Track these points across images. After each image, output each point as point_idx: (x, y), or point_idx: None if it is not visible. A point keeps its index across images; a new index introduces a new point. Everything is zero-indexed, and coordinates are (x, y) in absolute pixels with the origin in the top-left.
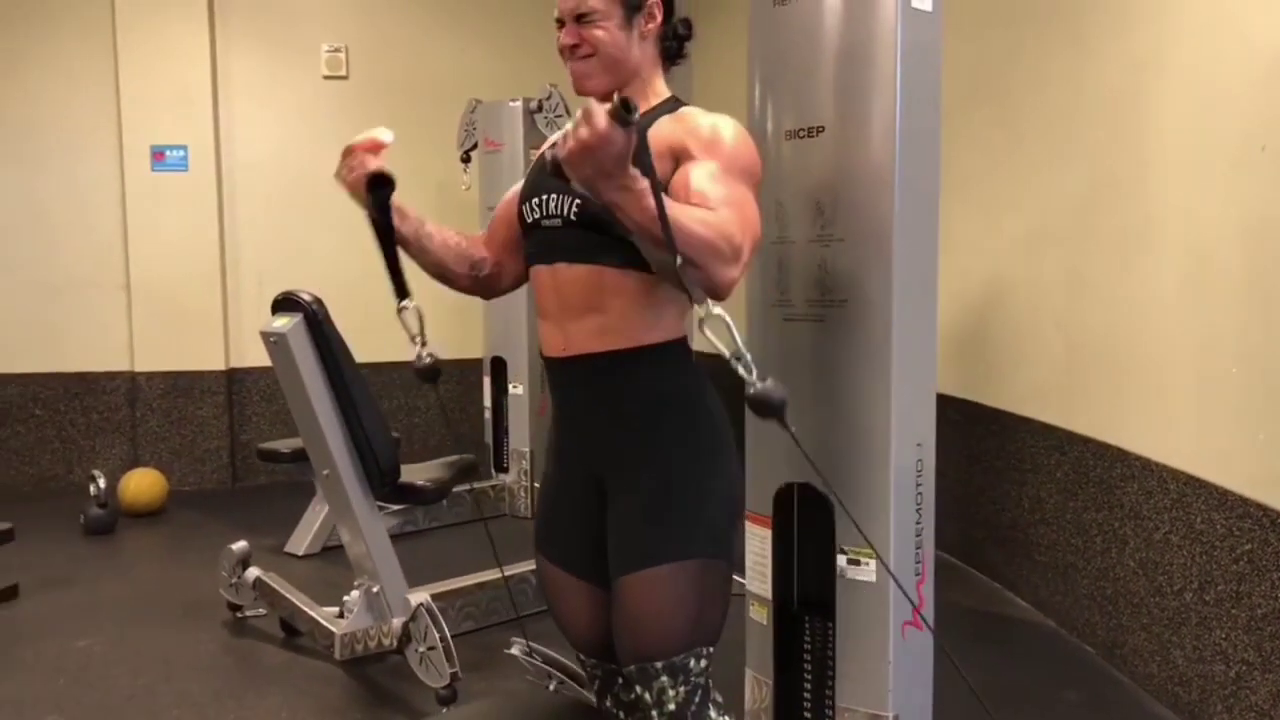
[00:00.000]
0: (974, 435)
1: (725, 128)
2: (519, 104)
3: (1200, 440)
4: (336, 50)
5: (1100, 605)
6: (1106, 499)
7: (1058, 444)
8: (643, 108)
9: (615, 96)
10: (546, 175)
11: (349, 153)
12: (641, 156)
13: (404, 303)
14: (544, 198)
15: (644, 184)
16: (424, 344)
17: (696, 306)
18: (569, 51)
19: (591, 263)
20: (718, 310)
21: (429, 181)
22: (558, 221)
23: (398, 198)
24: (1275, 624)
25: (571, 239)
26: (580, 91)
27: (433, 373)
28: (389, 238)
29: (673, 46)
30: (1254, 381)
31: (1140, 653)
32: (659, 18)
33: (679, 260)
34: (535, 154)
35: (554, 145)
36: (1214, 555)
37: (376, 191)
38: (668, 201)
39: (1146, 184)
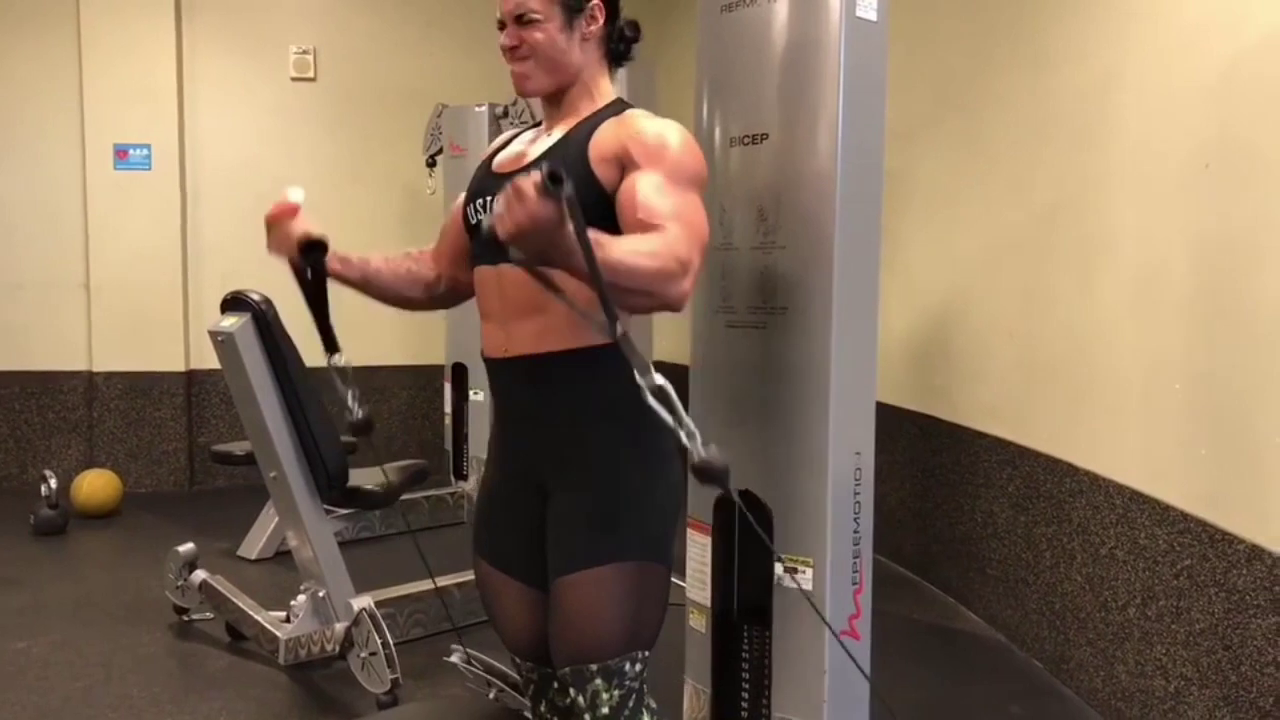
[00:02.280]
0: (930, 449)
1: (670, 134)
2: (485, 109)
3: (1146, 456)
4: (305, 52)
5: (1048, 620)
6: (1056, 514)
7: (1010, 459)
8: (587, 110)
9: (543, 168)
10: (492, 176)
11: (271, 223)
12: (575, 223)
13: (334, 357)
14: (489, 199)
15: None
16: (355, 398)
17: (639, 378)
18: (509, 53)
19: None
20: (660, 380)
21: (396, 184)
22: None
23: (338, 245)
24: (1212, 639)
25: None
26: (521, 92)
27: (366, 425)
28: (320, 299)
29: (619, 48)
30: (1198, 398)
31: (1085, 667)
32: (601, 20)
33: (618, 330)
34: (482, 157)
35: (490, 212)
36: (1156, 571)
37: (309, 255)
38: (612, 244)
39: (1102, 202)
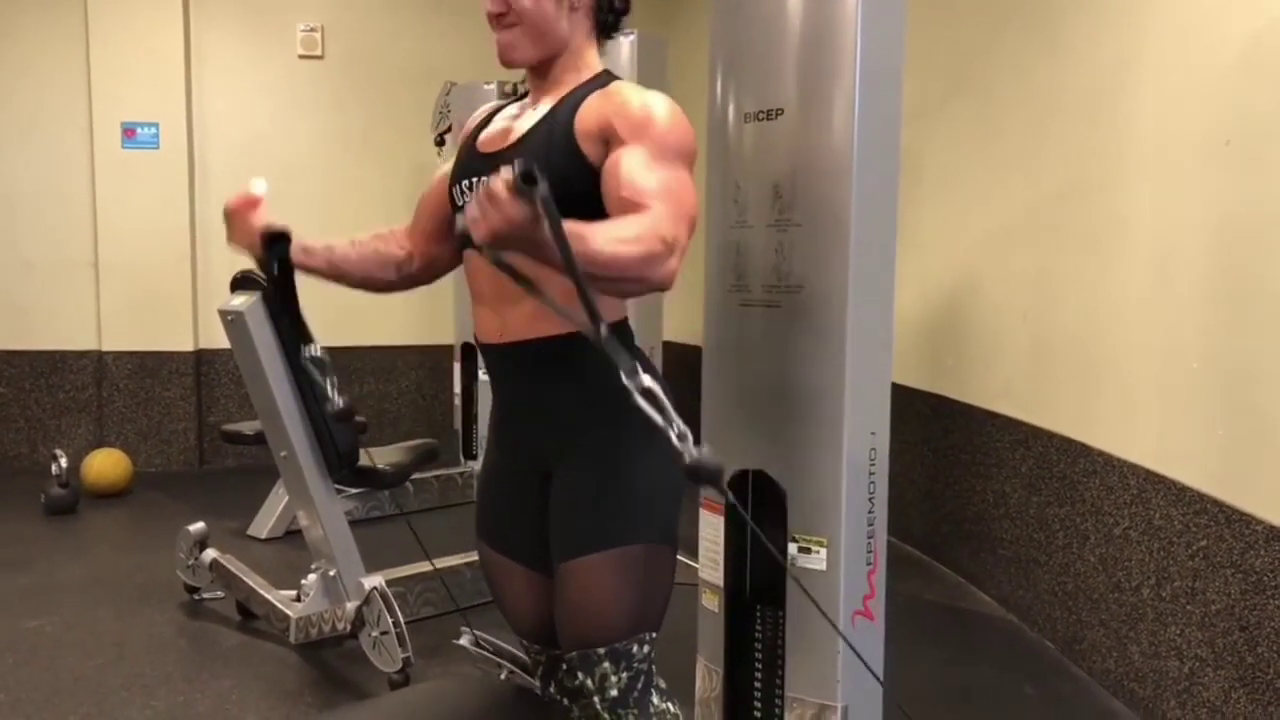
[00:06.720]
0: (942, 429)
1: (656, 106)
2: (494, 87)
3: (1161, 436)
4: (312, 30)
5: (1061, 601)
6: (1069, 494)
7: (1023, 439)
8: (573, 83)
9: (516, 167)
10: (476, 156)
11: (230, 216)
12: (551, 222)
13: (307, 349)
14: (475, 180)
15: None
16: (334, 387)
17: (625, 380)
18: (495, 20)
19: None
20: (648, 382)
21: (403, 163)
22: None
23: (300, 235)
24: (1228, 620)
25: None
26: (505, 62)
27: (347, 413)
28: (288, 291)
29: (608, 20)
30: (1215, 378)
31: (1098, 648)
32: None
33: (602, 332)
34: (464, 134)
35: (464, 213)
36: (1171, 551)
37: (274, 248)
38: (592, 234)
39: (1117, 181)
